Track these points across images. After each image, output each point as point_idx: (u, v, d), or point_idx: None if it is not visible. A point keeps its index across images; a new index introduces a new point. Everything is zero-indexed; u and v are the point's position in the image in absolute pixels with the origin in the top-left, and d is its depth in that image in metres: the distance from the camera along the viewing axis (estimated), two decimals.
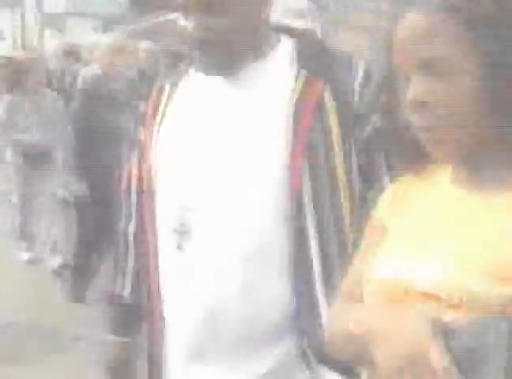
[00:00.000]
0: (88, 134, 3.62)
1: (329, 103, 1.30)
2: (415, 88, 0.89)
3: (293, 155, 1.28)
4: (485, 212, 0.89)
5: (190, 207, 1.34)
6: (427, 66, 0.88)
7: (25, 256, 5.26)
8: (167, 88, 1.48)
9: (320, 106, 1.29)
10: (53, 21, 12.72)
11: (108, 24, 11.33)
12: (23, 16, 17.73)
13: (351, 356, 0.96)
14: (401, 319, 0.84)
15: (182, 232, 1.35)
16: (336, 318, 1.01)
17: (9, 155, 4.91)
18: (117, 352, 1.60)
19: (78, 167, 3.85)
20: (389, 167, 1.33)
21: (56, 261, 4.85)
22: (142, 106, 1.52)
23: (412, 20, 0.90)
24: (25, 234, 5.28)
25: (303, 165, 1.28)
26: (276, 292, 1.31)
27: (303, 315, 1.30)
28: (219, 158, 1.34)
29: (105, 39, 3.91)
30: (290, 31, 1.42)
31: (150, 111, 1.48)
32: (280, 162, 1.29)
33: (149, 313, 1.49)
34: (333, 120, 1.29)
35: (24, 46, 15.88)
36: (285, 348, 1.33)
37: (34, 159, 4.77)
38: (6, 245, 5.31)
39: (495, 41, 0.86)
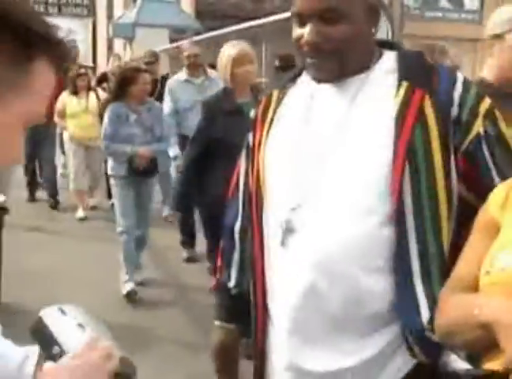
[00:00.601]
0: (208, 146, 3.56)
1: (429, 111, 1.37)
2: None
3: (395, 159, 1.35)
4: None
5: (295, 205, 1.43)
6: None
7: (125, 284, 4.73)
8: (275, 93, 1.58)
9: (420, 115, 1.37)
10: (122, 31, 13.02)
11: (178, 34, 11.57)
12: (95, 26, 18.32)
13: (468, 341, 1.02)
14: None
15: (287, 229, 1.43)
16: (454, 307, 1.07)
17: (123, 170, 4.60)
18: (222, 337, 1.72)
19: (191, 179, 3.79)
20: (497, 169, 1.40)
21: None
22: (253, 113, 1.62)
23: None
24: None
25: (405, 169, 1.35)
26: (378, 285, 1.39)
27: (404, 306, 1.38)
28: (323, 159, 1.42)
29: (227, 50, 3.63)
30: (392, 46, 1.51)
31: (260, 117, 1.59)
32: (383, 165, 1.36)
33: (254, 304, 1.60)
34: (432, 127, 1.37)
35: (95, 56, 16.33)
36: (387, 336, 1.42)
37: (139, 171, 4.57)
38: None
39: None
